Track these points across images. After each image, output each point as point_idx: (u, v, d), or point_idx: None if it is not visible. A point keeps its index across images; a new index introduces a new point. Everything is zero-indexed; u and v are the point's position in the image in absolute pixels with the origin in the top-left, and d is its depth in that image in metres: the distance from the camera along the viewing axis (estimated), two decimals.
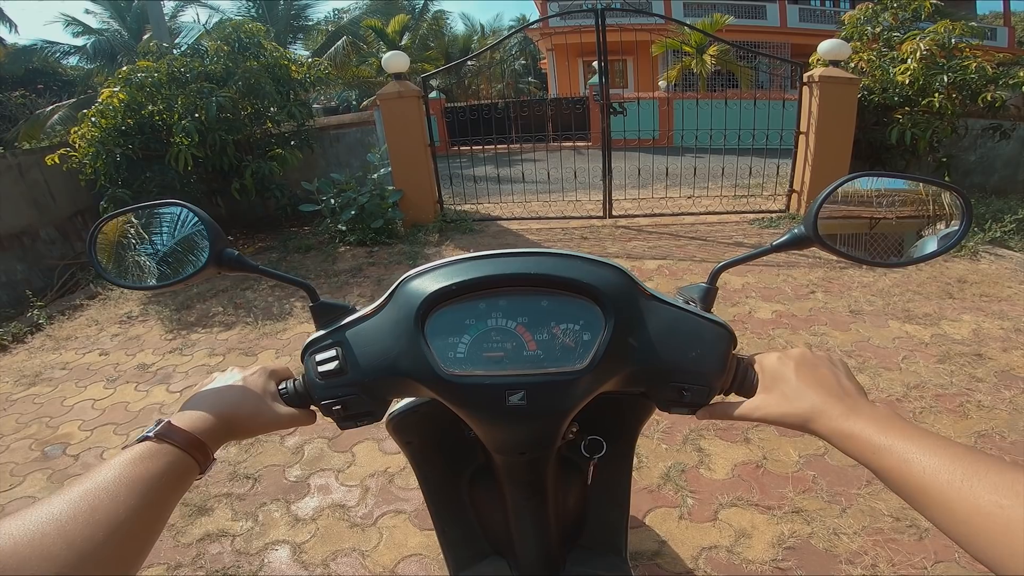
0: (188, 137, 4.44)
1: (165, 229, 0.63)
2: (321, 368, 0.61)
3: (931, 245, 0.61)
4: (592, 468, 0.82)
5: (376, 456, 2.22)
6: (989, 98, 4.68)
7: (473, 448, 0.86)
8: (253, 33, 5.22)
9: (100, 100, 4.63)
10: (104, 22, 14.77)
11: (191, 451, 0.50)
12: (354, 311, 0.65)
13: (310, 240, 5.19)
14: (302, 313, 3.66)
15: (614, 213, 5.40)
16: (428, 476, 0.92)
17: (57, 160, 4.47)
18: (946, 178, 5.04)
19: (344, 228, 4.95)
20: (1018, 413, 2.21)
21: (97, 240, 0.63)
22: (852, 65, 5.33)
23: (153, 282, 0.64)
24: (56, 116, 10.07)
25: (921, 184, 0.62)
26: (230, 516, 1.96)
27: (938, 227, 0.61)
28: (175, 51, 5.18)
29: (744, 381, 0.60)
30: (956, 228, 0.60)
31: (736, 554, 1.64)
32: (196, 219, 0.61)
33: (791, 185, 5.18)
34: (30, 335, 3.83)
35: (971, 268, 3.84)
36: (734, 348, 0.62)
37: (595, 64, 5.14)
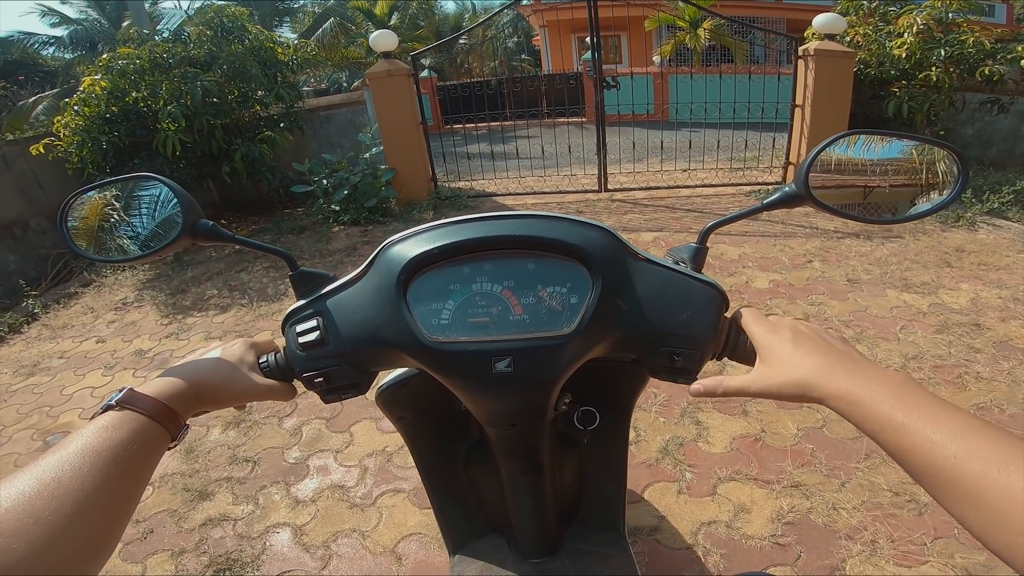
0: (175, 122, 4.41)
1: (138, 203, 0.62)
2: (302, 339, 0.59)
3: (926, 203, 0.60)
4: (586, 440, 0.80)
5: (374, 435, 2.21)
6: (987, 72, 4.65)
7: (467, 423, 0.85)
8: (236, 17, 5.17)
9: (82, 88, 4.58)
10: (82, 11, 14.55)
11: (158, 418, 0.48)
12: (335, 279, 0.63)
13: (303, 221, 5.16)
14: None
15: (609, 187, 5.37)
16: (423, 453, 0.90)
17: (42, 150, 4.42)
18: None
19: (337, 208, 4.94)
20: (1016, 385, 2.21)
21: (68, 216, 0.61)
22: (848, 39, 5.27)
23: (128, 255, 0.62)
24: (40, 107, 9.93)
25: (913, 142, 0.60)
26: (231, 500, 1.97)
27: (931, 193, 0.59)
28: (156, 37, 5.08)
29: (737, 344, 0.58)
30: (951, 187, 0.58)
31: (735, 529, 1.64)
32: (168, 191, 0.59)
33: (787, 157, 5.15)
34: (26, 325, 3.82)
35: (969, 238, 3.83)
36: (726, 310, 0.60)
37: (588, 40, 5.06)
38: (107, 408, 0.47)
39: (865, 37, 5.27)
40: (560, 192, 5.43)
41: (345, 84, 17.52)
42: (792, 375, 0.48)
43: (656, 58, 12.33)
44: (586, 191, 5.41)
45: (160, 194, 0.61)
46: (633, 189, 5.34)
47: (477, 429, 0.85)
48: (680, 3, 7.98)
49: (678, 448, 1.97)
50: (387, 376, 0.80)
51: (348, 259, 4.24)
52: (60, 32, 14.30)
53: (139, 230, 0.62)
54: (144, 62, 4.57)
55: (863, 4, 5.62)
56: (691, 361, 0.58)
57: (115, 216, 0.62)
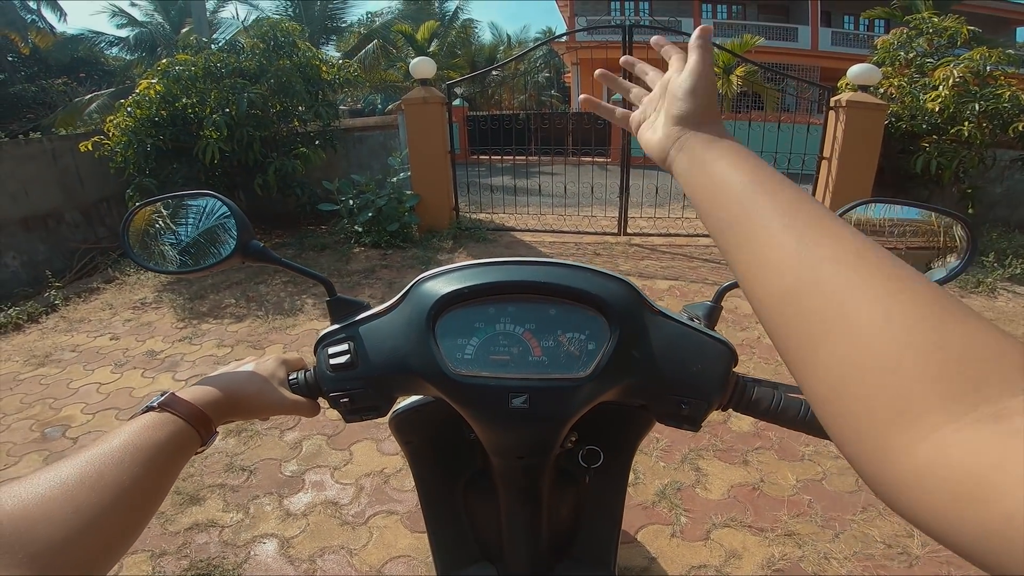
0: (217, 131, 4.52)
1: (194, 218, 0.66)
2: (333, 361, 0.63)
3: (938, 274, 0.62)
4: (588, 479, 0.82)
5: (374, 456, 2.23)
6: (1021, 128, 4.57)
7: (472, 452, 0.88)
8: (289, 32, 5.30)
9: (138, 91, 4.74)
10: (148, 14, 15.19)
11: (193, 423, 0.51)
12: (368, 308, 0.67)
13: (326, 239, 5.25)
14: (312, 310, 3.71)
15: (629, 231, 5.38)
16: (425, 477, 0.92)
17: (91, 147, 4.58)
18: (969, 210, 4.93)
19: (360, 229, 5.01)
20: None
21: (130, 224, 0.66)
22: (882, 91, 5.25)
23: (181, 268, 0.66)
24: (94, 104, 10.33)
25: (930, 213, 0.63)
26: (221, 507, 1.98)
27: (947, 257, 0.61)
28: (212, 46, 5.30)
29: (742, 399, 0.61)
30: (962, 255, 0.60)
31: (725, 574, 1.63)
32: (225, 209, 0.64)
33: None
34: (44, 315, 3.90)
35: (988, 305, 3.74)
36: (734, 366, 0.63)
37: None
38: (148, 409, 0.50)
39: (899, 89, 5.24)
40: (579, 232, 5.44)
41: (380, 106, 17.99)
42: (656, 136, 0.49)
43: None
44: (605, 233, 5.41)
45: (216, 210, 0.64)
46: (652, 235, 5.33)
47: (481, 459, 0.87)
48: (715, 48, 8.09)
49: (676, 492, 1.96)
50: (403, 401, 0.83)
51: (366, 281, 4.30)
52: (126, 33, 14.90)
53: (192, 244, 0.66)
54: (198, 69, 4.71)
55: (900, 54, 5.59)
56: (697, 411, 0.61)
57: (171, 229, 0.66)
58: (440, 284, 0.64)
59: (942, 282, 0.61)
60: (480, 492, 0.90)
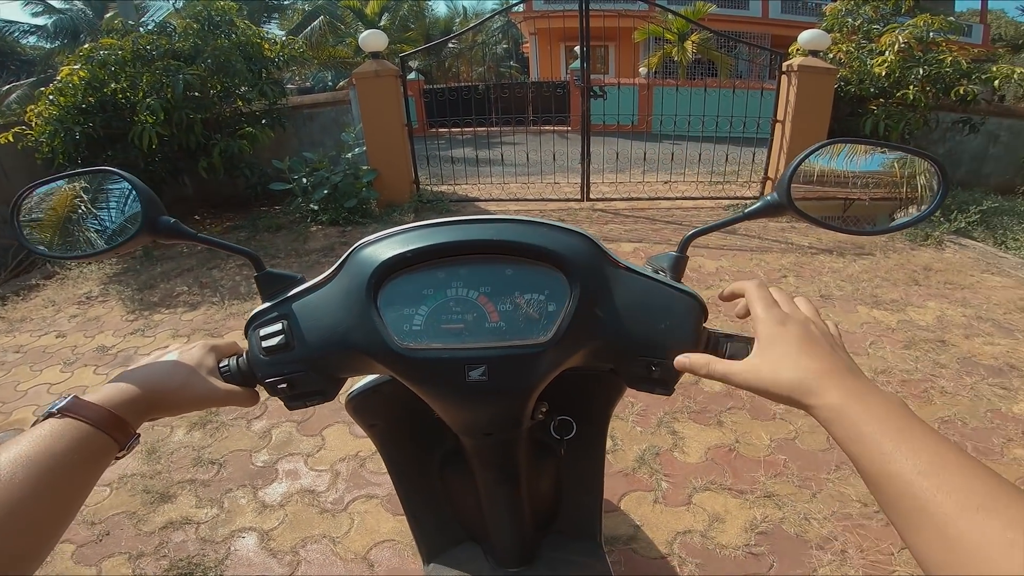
0: (153, 115, 4.31)
1: (100, 198, 0.60)
2: (265, 343, 0.57)
3: (905, 216, 0.60)
4: (563, 450, 0.79)
5: (347, 440, 2.17)
6: (961, 92, 4.78)
7: (442, 430, 0.82)
8: (225, 11, 5.10)
9: (59, 78, 4.47)
10: (67, 1, 14.20)
11: (104, 427, 0.45)
12: (303, 281, 0.61)
13: (281, 219, 5.09)
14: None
15: (592, 196, 5.41)
16: (396, 460, 0.88)
17: (11, 139, 4.30)
18: None
19: (316, 207, 4.88)
20: (979, 400, 2.28)
21: (21, 209, 0.58)
22: (831, 56, 5.39)
23: (84, 251, 0.59)
24: (13, 95, 9.67)
25: (896, 153, 0.61)
26: (194, 503, 1.91)
27: (911, 203, 0.60)
28: (141, 29, 5.00)
29: (716, 354, 0.57)
30: (931, 198, 0.58)
31: (710, 539, 1.64)
32: (127, 185, 0.57)
33: (766, 172, 5.24)
34: None
35: (936, 256, 3.94)
36: (704, 320, 0.59)
37: (577, 49, 5.10)
38: (47, 416, 0.44)
39: (848, 54, 5.39)
40: (543, 200, 5.45)
41: (331, 83, 17.41)
42: (786, 376, 0.45)
43: (643, 69, 12.49)
44: (568, 199, 5.44)
45: (120, 188, 0.58)
46: (615, 199, 5.38)
47: (452, 437, 0.82)
48: (670, 16, 8.10)
49: (654, 457, 1.98)
50: (358, 382, 0.78)
51: (325, 259, 4.19)
52: (43, 20, 14.03)
53: (97, 225, 0.59)
54: (126, 53, 4.49)
55: (848, 21, 5.76)
56: (669, 372, 0.57)
57: (73, 211, 0.59)
58: (381, 249, 0.57)
59: (914, 222, 0.59)
60: (456, 472, 0.86)
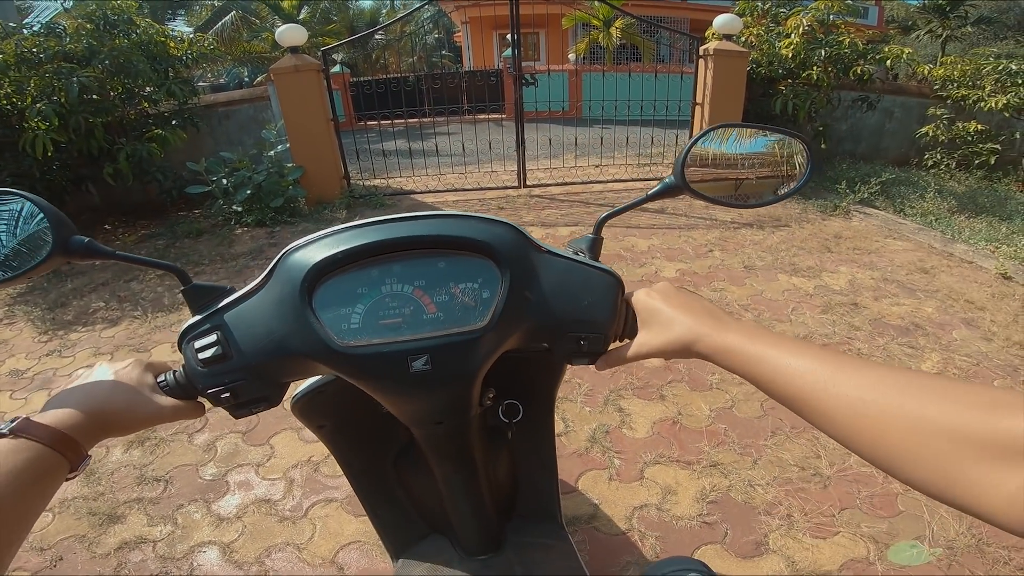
0: (46, 121, 3.95)
1: None
2: (201, 355, 0.56)
3: (783, 188, 0.67)
4: (511, 433, 0.81)
5: (297, 446, 2.11)
6: (859, 71, 5.15)
7: (394, 425, 0.83)
8: (122, 10, 4.74)
9: None
10: None
11: (57, 447, 0.45)
12: (232, 291, 0.60)
13: (202, 223, 4.79)
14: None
15: (528, 183, 5.46)
16: (349, 460, 0.88)
17: None
18: (822, 145, 5.54)
19: (240, 209, 4.65)
20: (891, 359, 2.48)
21: None
22: (743, 39, 5.65)
23: None
24: None
25: (774, 134, 0.67)
26: (145, 521, 1.82)
27: (790, 174, 0.67)
28: (25, 31, 4.56)
29: (634, 325, 0.61)
30: (803, 171, 0.65)
31: (665, 511, 1.70)
32: (31, 206, 0.53)
33: None
34: None
35: (845, 225, 4.26)
36: (622, 294, 0.63)
37: (509, 37, 5.10)
38: None
39: (758, 37, 5.67)
40: (480, 189, 5.44)
41: (247, 79, 16.52)
42: (670, 336, 0.54)
43: (571, 56, 12.64)
44: (506, 187, 5.46)
45: (22, 210, 0.53)
46: (550, 185, 5.46)
47: (405, 431, 0.83)
48: (595, 1, 8.23)
49: (605, 435, 2.03)
50: (301, 385, 0.77)
51: (254, 263, 3.99)
52: None
53: (4, 251, 0.54)
54: (8, 57, 4.07)
55: (757, 5, 6.03)
56: (596, 344, 0.61)
57: None
58: (311, 252, 0.58)
59: (790, 194, 0.67)
60: (412, 466, 0.87)
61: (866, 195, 4.67)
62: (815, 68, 5.11)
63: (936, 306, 2.95)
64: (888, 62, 5.20)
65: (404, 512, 0.94)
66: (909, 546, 1.41)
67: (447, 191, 5.43)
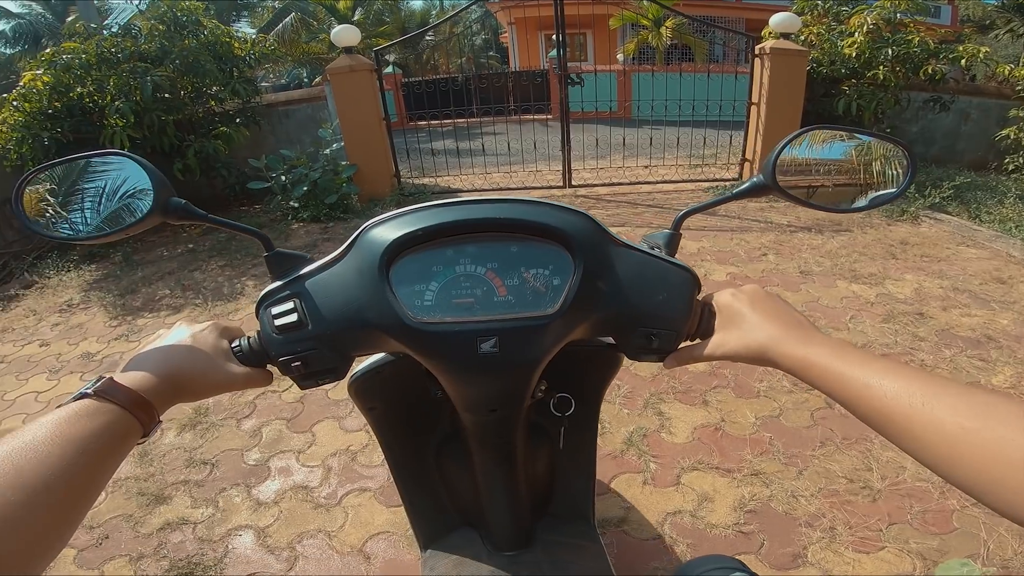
0: (123, 118, 4.23)
1: (105, 180, 0.58)
2: (278, 321, 0.57)
3: (879, 195, 0.64)
4: (563, 428, 0.81)
5: (337, 435, 2.17)
6: (930, 71, 4.86)
7: (439, 414, 0.85)
8: (190, 11, 5.01)
9: (22, 83, 4.37)
10: (25, 5, 13.88)
11: (134, 411, 0.46)
12: (312, 260, 0.61)
13: (261, 218, 5.05)
14: (254, 292, 3.55)
15: (573, 183, 5.43)
16: (392, 444, 0.89)
17: None
18: None
19: (296, 204, 4.84)
20: (958, 372, 2.31)
21: (24, 194, 0.57)
22: (802, 38, 5.45)
23: (91, 233, 0.58)
24: None
25: (869, 137, 0.65)
26: (189, 503, 1.91)
27: (885, 181, 0.63)
28: (104, 32, 4.89)
29: (708, 325, 0.60)
30: (902, 179, 0.62)
31: (700, 519, 1.65)
32: (138, 168, 0.56)
33: (743, 154, 5.29)
34: None
35: (912, 231, 4.02)
36: (698, 293, 0.62)
37: (555, 38, 5.10)
38: (82, 396, 0.44)
39: (819, 36, 5.45)
40: (525, 188, 5.45)
41: (306, 80, 17.19)
42: (749, 340, 0.53)
43: (620, 56, 12.49)
44: (551, 187, 5.45)
45: (128, 172, 0.57)
46: (596, 185, 5.41)
47: (449, 420, 0.85)
48: (644, 1, 8.11)
49: (642, 439, 1.99)
50: (359, 364, 0.78)
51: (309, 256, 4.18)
52: (1, 26, 13.58)
53: (105, 208, 0.58)
54: (91, 57, 4.37)
55: (817, 4, 5.80)
56: (667, 341, 0.60)
57: (78, 194, 0.58)
58: (391, 228, 0.59)
59: (887, 200, 0.64)
60: (452, 456, 0.87)
61: (938, 200, 4.39)
62: (881, 67, 4.85)
63: (1013, 318, 2.73)
64: (963, 61, 4.88)
65: (438, 502, 0.94)
66: (960, 564, 1.32)
67: (492, 190, 5.47)
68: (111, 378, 0.47)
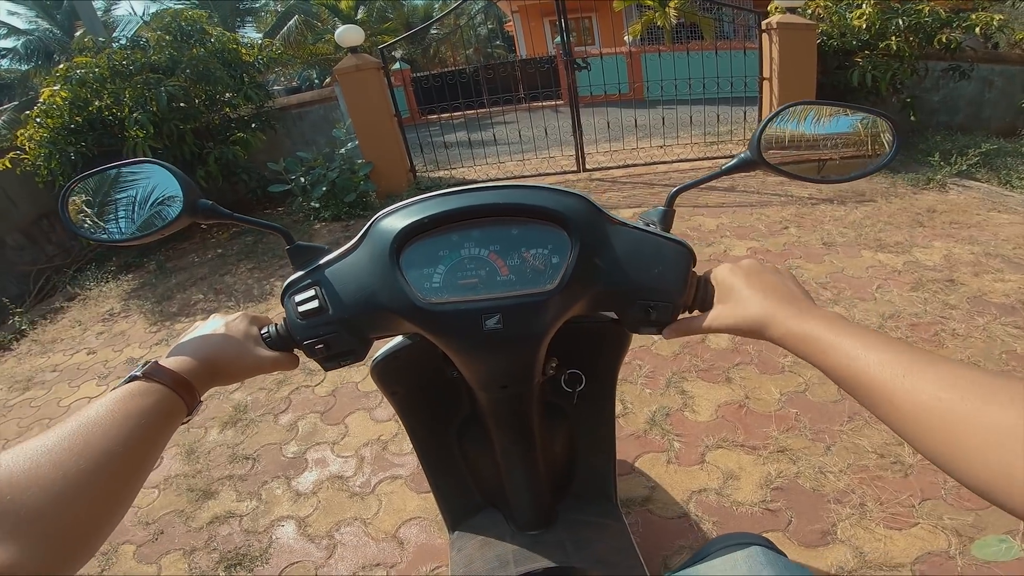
0: (142, 130, 4.32)
1: (136, 187, 0.63)
2: (301, 308, 0.62)
3: (866, 166, 0.65)
4: (575, 401, 0.83)
5: (368, 425, 2.24)
6: (944, 40, 4.73)
7: (459, 395, 0.88)
8: (195, 20, 5.07)
9: (42, 100, 4.48)
10: (31, 22, 14.12)
11: (178, 390, 0.51)
12: (329, 252, 0.66)
13: (284, 220, 5.14)
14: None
15: (588, 167, 5.41)
16: (417, 429, 0.93)
17: (9, 164, 4.34)
18: (912, 118, 5.13)
19: (317, 205, 4.91)
20: (992, 340, 2.22)
21: (69, 202, 0.63)
22: (809, 12, 5.33)
23: (129, 236, 0.64)
24: (0, 120, 9.55)
25: (856, 112, 0.65)
26: (235, 497, 1.99)
27: (874, 152, 0.65)
28: (114, 45, 4.97)
29: (706, 297, 0.62)
30: (887, 149, 0.64)
31: (725, 496, 1.64)
32: (167, 173, 0.61)
33: None
34: (15, 342, 3.78)
35: (940, 199, 3.92)
36: (693, 265, 0.64)
37: (558, 23, 5.07)
38: (133, 378, 0.49)
39: (826, 9, 5.32)
40: (540, 175, 5.45)
41: (317, 81, 17.27)
42: (747, 313, 0.54)
43: (627, 37, 12.32)
44: (565, 172, 5.44)
45: (158, 178, 0.62)
46: (611, 168, 5.37)
47: (469, 401, 0.87)
48: None
49: (665, 418, 1.99)
50: (380, 349, 0.82)
51: None
52: (11, 43, 13.88)
53: (140, 212, 0.63)
54: (104, 70, 4.47)
55: None
56: (664, 313, 0.62)
57: (117, 200, 0.64)
58: (399, 218, 0.63)
59: (874, 170, 0.65)
60: (473, 439, 0.90)
61: (964, 167, 4.26)
62: (894, 38, 4.72)
63: None
64: (977, 29, 4.73)
65: (463, 484, 0.98)
66: (998, 540, 1.30)
67: (507, 178, 5.48)
68: (156, 362, 0.52)
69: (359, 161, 5.11)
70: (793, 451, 1.78)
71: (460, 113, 5.71)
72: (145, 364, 0.51)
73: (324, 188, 4.85)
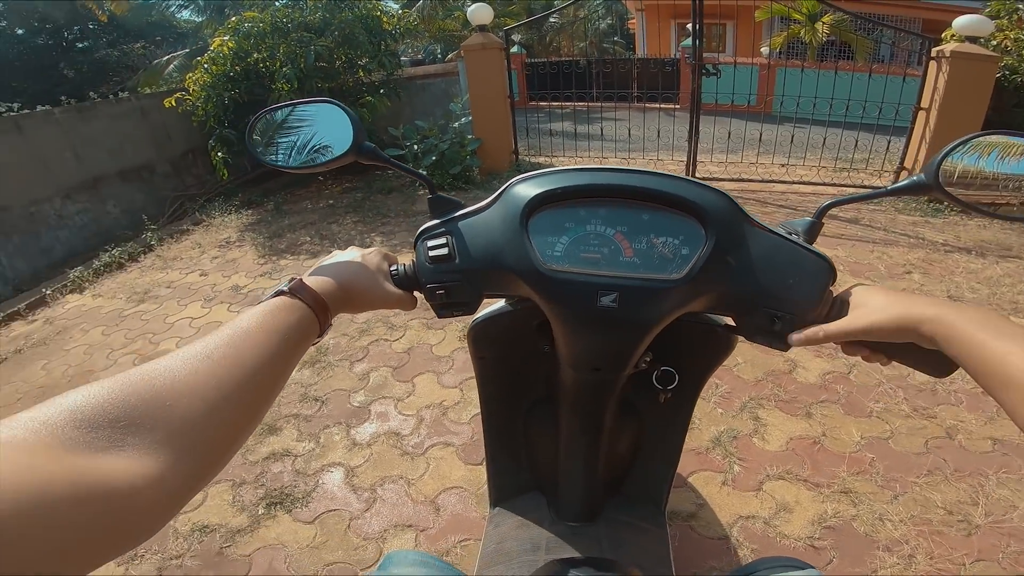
0: (288, 83, 4.68)
1: (313, 122, 0.70)
2: (432, 252, 0.66)
3: None
4: (659, 400, 0.82)
5: (435, 388, 2.31)
6: None
7: (540, 376, 0.89)
8: None
9: (212, 48, 4.98)
10: None
11: (316, 310, 0.52)
12: (465, 207, 0.70)
13: (392, 183, 5.40)
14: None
15: (698, 175, 5.19)
16: (491, 398, 0.95)
17: (174, 103, 4.88)
18: None
19: (424, 172, 5.06)
20: None
21: (255, 128, 0.70)
22: (994, 43, 4.74)
23: (300, 164, 0.70)
24: (172, 65, 10.66)
25: None
26: (295, 436, 2.09)
27: None
28: (277, 2, 5.42)
29: (840, 317, 0.58)
30: None
31: (772, 527, 1.60)
32: (342, 113, 0.66)
33: (902, 162, 4.72)
34: (144, 255, 4.32)
35: None
36: (832, 283, 0.61)
37: (689, 27, 4.88)
38: (279, 293, 0.52)
39: (1016, 43, 4.72)
40: None
41: (440, 55, 17.87)
42: (887, 312, 0.51)
43: (764, 49, 11.61)
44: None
45: (332, 117, 0.67)
46: (723, 180, 5.09)
47: (547, 384, 0.88)
48: None
49: (731, 440, 1.93)
50: (481, 312, 0.84)
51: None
52: None
53: (312, 145, 0.69)
54: (266, 26, 4.88)
55: (1018, 7, 5.00)
56: (789, 325, 0.59)
57: (295, 132, 0.70)
58: (533, 185, 0.65)
59: None
60: (541, 421, 0.91)
61: None
62: None
63: None
64: None
65: (518, 462, 0.99)
66: None
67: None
68: (301, 280, 0.54)
69: (469, 136, 5.27)
70: (857, 494, 1.69)
71: (570, 104, 5.68)
72: (291, 280, 0.53)
73: (433, 157, 5.04)
